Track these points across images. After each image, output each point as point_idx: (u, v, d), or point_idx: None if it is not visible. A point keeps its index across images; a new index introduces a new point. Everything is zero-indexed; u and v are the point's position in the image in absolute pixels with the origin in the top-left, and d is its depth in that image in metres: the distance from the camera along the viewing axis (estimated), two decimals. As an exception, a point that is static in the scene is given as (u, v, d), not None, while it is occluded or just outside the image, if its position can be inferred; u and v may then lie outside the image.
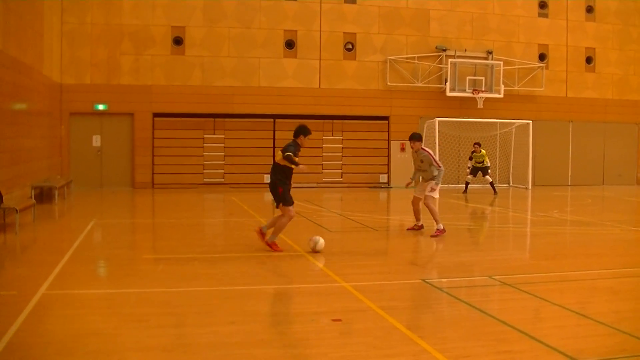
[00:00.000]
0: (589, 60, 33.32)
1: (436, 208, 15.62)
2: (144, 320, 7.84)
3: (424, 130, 28.82)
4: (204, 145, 29.05)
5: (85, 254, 12.67)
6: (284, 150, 12.71)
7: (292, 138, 12.94)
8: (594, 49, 33.33)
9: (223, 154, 29.18)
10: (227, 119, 29.15)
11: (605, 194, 28.40)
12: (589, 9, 33.20)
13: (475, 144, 27.74)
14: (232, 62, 29.06)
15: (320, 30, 29.79)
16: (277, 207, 13.11)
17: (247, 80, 29.20)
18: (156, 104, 28.43)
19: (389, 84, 30.36)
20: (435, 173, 15.35)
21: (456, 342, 7.25)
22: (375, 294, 9.48)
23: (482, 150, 27.52)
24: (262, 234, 12.99)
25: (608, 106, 33.35)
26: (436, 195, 15.49)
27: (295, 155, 12.69)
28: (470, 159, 27.79)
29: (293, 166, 12.67)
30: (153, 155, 28.55)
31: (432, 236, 15.12)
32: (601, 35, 33.37)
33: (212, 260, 12.17)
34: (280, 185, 12.69)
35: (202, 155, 29.04)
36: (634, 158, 33.70)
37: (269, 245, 12.78)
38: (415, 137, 15.64)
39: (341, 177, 30.22)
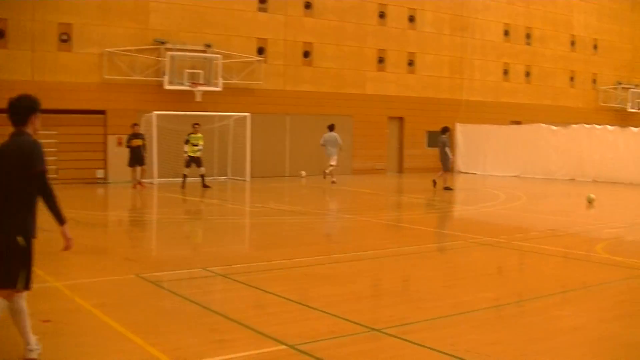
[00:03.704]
0: (306, 54, 34.49)
1: None
2: None
3: (143, 125, 28.24)
4: None
5: None
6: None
7: None
8: (312, 43, 34.56)
9: None
10: None
11: (323, 185, 29.35)
12: (308, 5, 34.32)
13: (194, 124, 26.99)
14: None
15: (33, 20, 28.28)
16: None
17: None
18: None
19: (105, 77, 29.44)
20: None
21: (170, 335, 7.22)
22: (87, 292, 9.22)
23: (199, 133, 26.90)
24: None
25: (324, 99, 34.67)
26: None
27: None
28: (187, 142, 26.65)
29: None
30: None
31: None
32: (319, 30, 34.66)
33: None
34: None
35: None
36: (349, 149, 35.22)
37: None
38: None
39: (57, 174, 28.77)
